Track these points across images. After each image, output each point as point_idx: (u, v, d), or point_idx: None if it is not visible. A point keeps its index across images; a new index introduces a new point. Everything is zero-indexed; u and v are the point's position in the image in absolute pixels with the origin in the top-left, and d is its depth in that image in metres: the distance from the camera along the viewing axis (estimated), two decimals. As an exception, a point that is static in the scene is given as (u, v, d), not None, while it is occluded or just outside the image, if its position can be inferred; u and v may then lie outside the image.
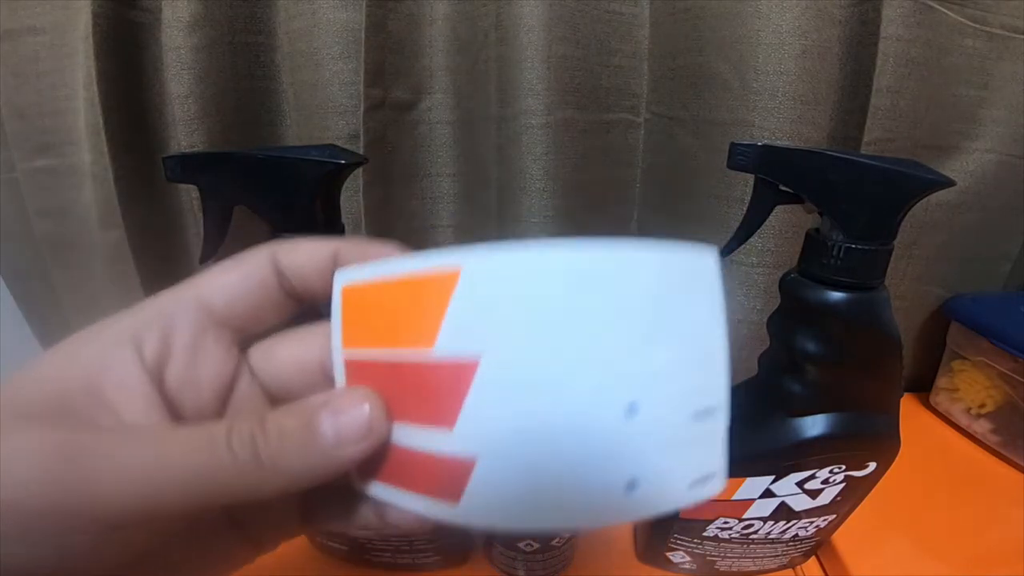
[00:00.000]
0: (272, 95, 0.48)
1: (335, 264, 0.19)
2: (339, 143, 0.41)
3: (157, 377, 0.17)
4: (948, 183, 0.24)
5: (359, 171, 0.46)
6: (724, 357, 0.15)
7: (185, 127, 0.44)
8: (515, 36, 0.43)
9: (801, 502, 0.31)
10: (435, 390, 0.15)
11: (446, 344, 0.14)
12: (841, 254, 0.25)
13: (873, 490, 0.31)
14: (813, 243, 0.26)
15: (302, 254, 0.19)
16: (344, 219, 0.29)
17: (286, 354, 0.19)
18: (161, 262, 0.50)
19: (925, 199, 0.25)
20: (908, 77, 0.40)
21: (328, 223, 0.27)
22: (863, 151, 0.41)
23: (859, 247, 0.25)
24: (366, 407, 0.16)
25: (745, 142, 0.26)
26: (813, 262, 0.26)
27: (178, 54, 0.43)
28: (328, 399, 0.16)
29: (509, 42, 0.43)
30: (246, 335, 0.19)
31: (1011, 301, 0.48)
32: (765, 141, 0.27)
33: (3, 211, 0.53)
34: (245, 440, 0.15)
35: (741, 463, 0.30)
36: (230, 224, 0.27)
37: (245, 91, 0.46)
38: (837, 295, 0.26)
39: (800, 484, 0.30)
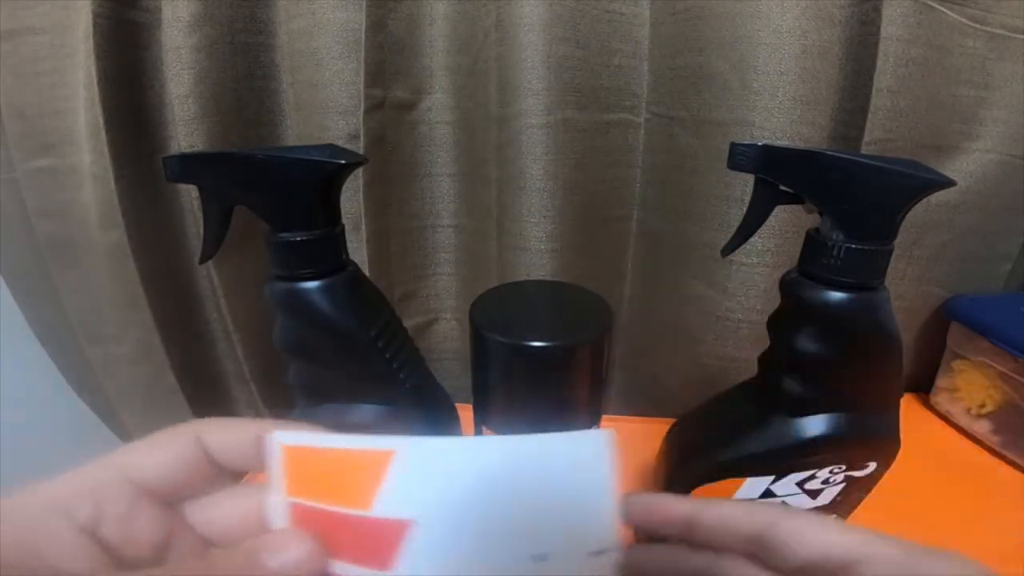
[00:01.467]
0: (272, 95, 0.48)
1: (259, 445, 0.20)
2: (339, 143, 0.42)
3: (92, 535, 0.17)
4: (948, 183, 0.24)
5: (359, 171, 0.46)
6: (612, 512, 0.19)
7: (185, 127, 0.44)
8: (515, 36, 0.43)
9: (801, 502, 0.31)
10: (373, 541, 0.18)
11: (382, 508, 0.18)
12: (841, 254, 0.25)
13: (873, 490, 0.31)
14: (813, 243, 0.26)
15: (228, 436, 0.20)
16: (344, 219, 0.29)
17: (225, 509, 0.21)
18: (161, 262, 0.50)
19: (925, 199, 0.25)
20: (908, 77, 0.40)
21: (328, 223, 0.27)
22: (863, 151, 0.41)
23: (859, 247, 0.25)
24: (301, 544, 0.18)
25: (745, 142, 0.26)
26: (813, 262, 0.26)
27: (178, 54, 0.43)
28: (268, 538, 0.18)
29: (509, 42, 0.43)
30: (176, 499, 0.20)
31: (1011, 301, 0.48)
32: (765, 141, 0.27)
33: (3, 211, 0.53)
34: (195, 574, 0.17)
35: (741, 463, 0.30)
36: (230, 224, 0.27)
37: (245, 91, 0.46)
38: (837, 295, 0.26)
39: (800, 484, 0.30)
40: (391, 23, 0.45)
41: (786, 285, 0.28)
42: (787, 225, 0.43)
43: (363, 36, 0.43)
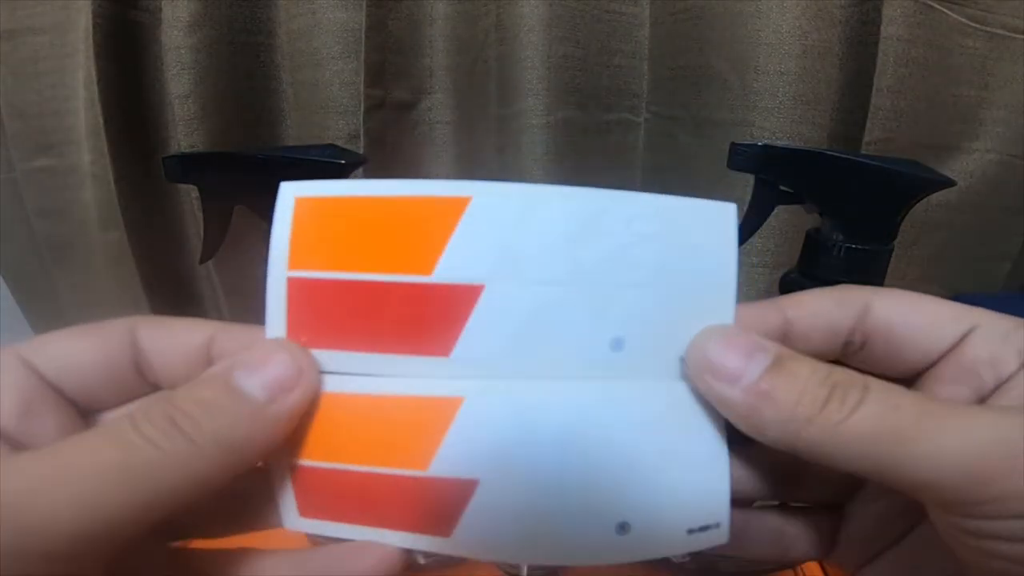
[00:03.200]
0: (272, 95, 0.48)
1: (208, 354, 0.16)
2: (339, 143, 0.41)
3: None
4: (948, 183, 0.24)
5: (359, 171, 0.46)
6: (733, 300, 0.17)
7: (185, 127, 0.44)
8: (515, 36, 0.43)
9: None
10: (430, 314, 0.14)
11: (448, 271, 0.14)
12: (841, 254, 0.25)
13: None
14: (813, 243, 0.26)
15: (168, 337, 0.16)
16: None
17: None
18: (161, 262, 0.50)
19: (925, 199, 0.25)
20: (908, 77, 0.40)
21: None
22: (863, 151, 0.41)
23: (859, 247, 0.25)
24: (283, 354, 0.14)
25: (745, 142, 0.26)
26: (813, 262, 0.26)
27: (178, 54, 0.43)
28: (237, 358, 0.14)
29: (509, 42, 0.43)
30: (90, 406, 0.16)
31: (1011, 301, 0.48)
32: (765, 141, 0.27)
33: (3, 211, 0.53)
34: (161, 423, 0.12)
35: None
36: (230, 224, 0.27)
37: (245, 91, 0.46)
38: (837, 295, 0.26)
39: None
40: (391, 23, 0.44)
41: (786, 285, 0.28)
42: (787, 225, 0.43)
43: (363, 36, 0.43)
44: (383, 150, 0.47)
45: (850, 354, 0.18)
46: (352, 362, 0.15)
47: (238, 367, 0.14)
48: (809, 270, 0.26)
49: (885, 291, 0.18)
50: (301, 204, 0.15)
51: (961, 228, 0.47)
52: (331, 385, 0.15)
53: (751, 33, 0.40)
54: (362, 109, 0.44)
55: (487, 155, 0.48)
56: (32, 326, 0.60)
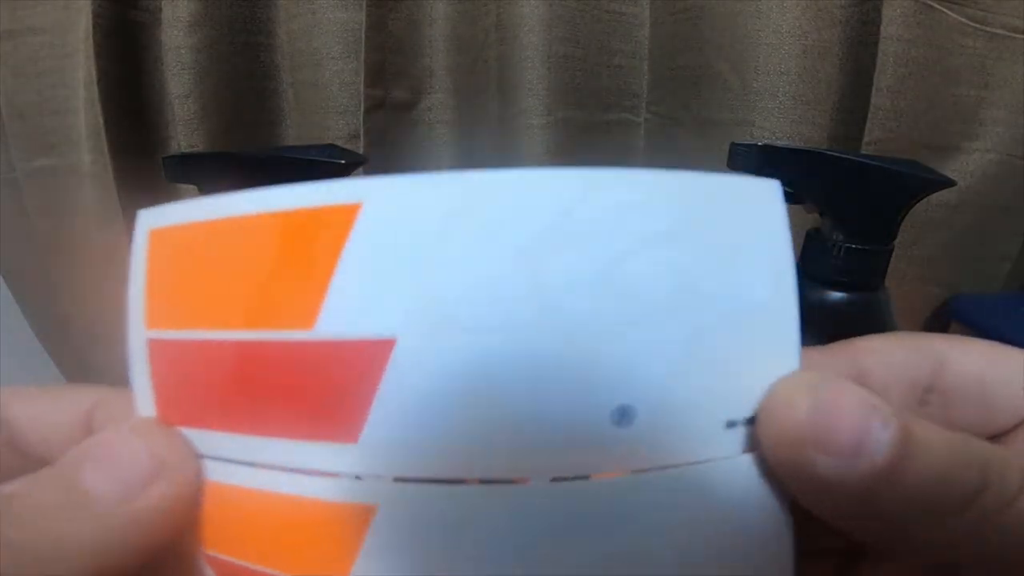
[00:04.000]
0: (272, 95, 0.48)
1: (89, 423, 0.14)
2: (339, 143, 0.42)
3: None
4: (948, 183, 0.24)
5: (359, 171, 0.46)
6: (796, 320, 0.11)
7: (185, 127, 0.44)
8: (515, 36, 0.43)
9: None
10: (320, 384, 0.10)
11: (335, 318, 0.10)
12: (841, 254, 0.25)
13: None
14: (813, 243, 0.26)
15: (43, 412, 0.14)
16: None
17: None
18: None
19: (925, 199, 0.25)
20: (908, 77, 0.40)
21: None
22: (863, 151, 0.41)
23: (859, 247, 0.25)
24: (137, 443, 0.11)
25: (745, 142, 0.26)
26: (813, 262, 0.26)
27: (178, 54, 0.43)
28: (87, 449, 0.12)
29: (509, 42, 0.43)
30: None
31: (1011, 301, 0.48)
32: (765, 141, 0.27)
33: (3, 211, 0.53)
34: None
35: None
36: (230, 224, 0.27)
37: (245, 91, 0.46)
38: (837, 295, 0.26)
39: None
40: (391, 23, 0.45)
41: (786, 285, 0.28)
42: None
43: (363, 36, 0.43)
44: (383, 150, 0.47)
45: (925, 415, 0.14)
46: (237, 447, 0.11)
47: (86, 461, 0.12)
48: (809, 270, 0.26)
49: (959, 340, 0.15)
50: (156, 238, 0.12)
51: (961, 228, 0.47)
52: (216, 474, 0.11)
53: (751, 33, 0.40)
54: (362, 109, 0.44)
55: (487, 155, 0.48)
56: (32, 326, 0.60)
